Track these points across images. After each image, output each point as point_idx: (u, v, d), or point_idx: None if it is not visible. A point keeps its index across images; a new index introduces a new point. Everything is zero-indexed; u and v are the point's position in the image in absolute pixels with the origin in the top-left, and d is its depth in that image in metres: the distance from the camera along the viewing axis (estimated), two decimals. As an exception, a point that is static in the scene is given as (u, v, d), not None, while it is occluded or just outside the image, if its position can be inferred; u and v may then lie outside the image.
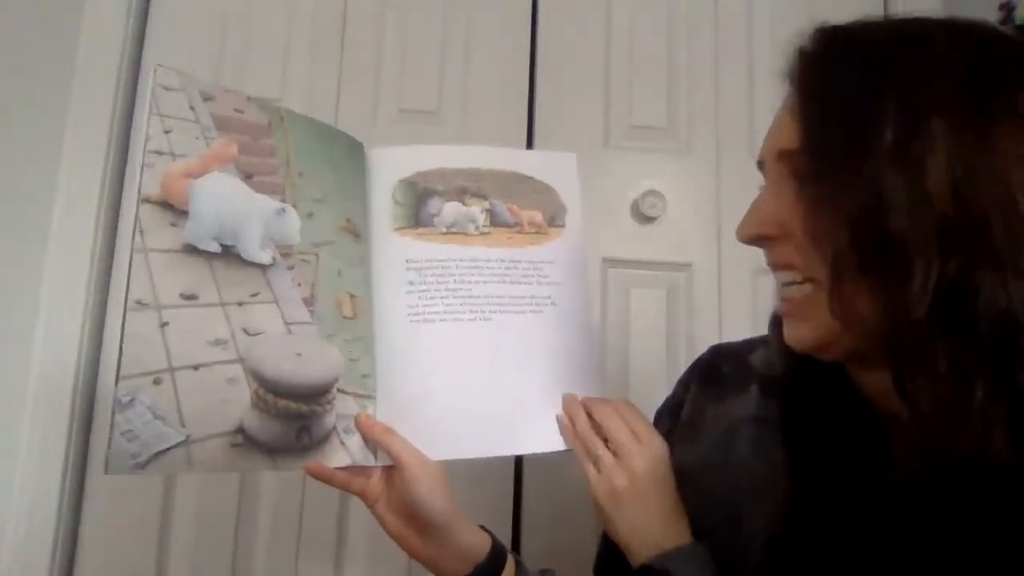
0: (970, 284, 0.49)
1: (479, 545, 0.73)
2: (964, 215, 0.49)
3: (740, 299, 1.35)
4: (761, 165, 0.64)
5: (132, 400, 0.62)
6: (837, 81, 0.56)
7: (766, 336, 0.71)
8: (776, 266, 0.62)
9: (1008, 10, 1.15)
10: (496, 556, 0.74)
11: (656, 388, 0.85)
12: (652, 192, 1.36)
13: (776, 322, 0.66)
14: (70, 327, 1.22)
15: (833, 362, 0.62)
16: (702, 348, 0.85)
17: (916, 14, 0.58)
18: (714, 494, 0.70)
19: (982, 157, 0.50)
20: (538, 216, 0.86)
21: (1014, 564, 0.50)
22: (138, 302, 0.64)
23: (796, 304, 0.60)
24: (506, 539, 1.25)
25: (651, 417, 0.81)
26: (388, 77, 1.40)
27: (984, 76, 0.53)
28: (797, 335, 0.61)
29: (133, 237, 0.66)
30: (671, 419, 0.80)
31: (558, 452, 0.78)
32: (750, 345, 0.79)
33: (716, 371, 0.80)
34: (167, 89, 0.72)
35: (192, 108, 0.72)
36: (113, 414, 0.62)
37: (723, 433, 0.74)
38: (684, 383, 0.82)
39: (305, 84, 1.38)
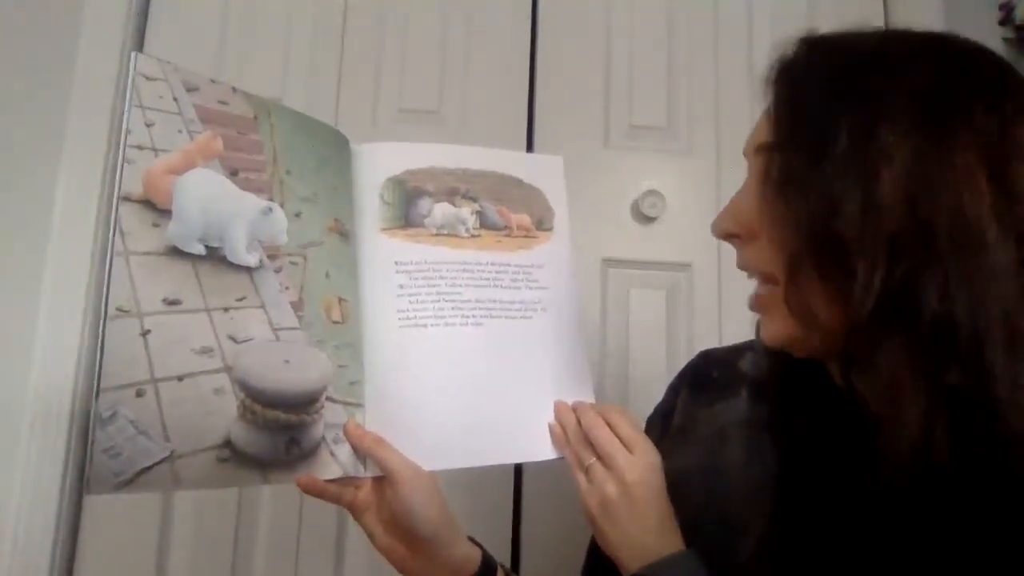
0: (915, 289, 0.50)
1: (469, 559, 0.73)
2: (914, 223, 0.51)
3: (740, 299, 1.30)
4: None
5: (113, 414, 0.58)
6: (806, 87, 0.58)
7: (753, 341, 0.72)
8: (743, 267, 0.64)
9: (1008, 10, 1.14)
10: (487, 570, 0.73)
11: (656, 389, 0.84)
12: (652, 192, 1.35)
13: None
14: (70, 329, 1.22)
15: (814, 361, 0.64)
16: (702, 348, 0.85)
17: (913, 22, 0.61)
18: (706, 498, 0.69)
19: (937, 168, 0.51)
20: (526, 219, 0.84)
21: (983, 564, 0.51)
22: (119, 309, 0.60)
23: (763, 302, 0.62)
24: (505, 549, 1.25)
25: (643, 422, 0.81)
26: (388, 77, 1.39)
27: (945, 88, 0.54)
28: (770, 331, 0.62)
29: (112, 239, 0.61)
30: (662, 425, 0.80)
31: (556, 460, 0.76)
32: (738, 351, 0.80)
33: (706, 376, 0.80)
34: (149, 79, 0.67)
35: (175, 99, 0.68)
36: (93, 430, 0.58)
37: (714, 438, 0.74)
38: (674, 389, 0.82)
39: (305, 84, 1.38)
